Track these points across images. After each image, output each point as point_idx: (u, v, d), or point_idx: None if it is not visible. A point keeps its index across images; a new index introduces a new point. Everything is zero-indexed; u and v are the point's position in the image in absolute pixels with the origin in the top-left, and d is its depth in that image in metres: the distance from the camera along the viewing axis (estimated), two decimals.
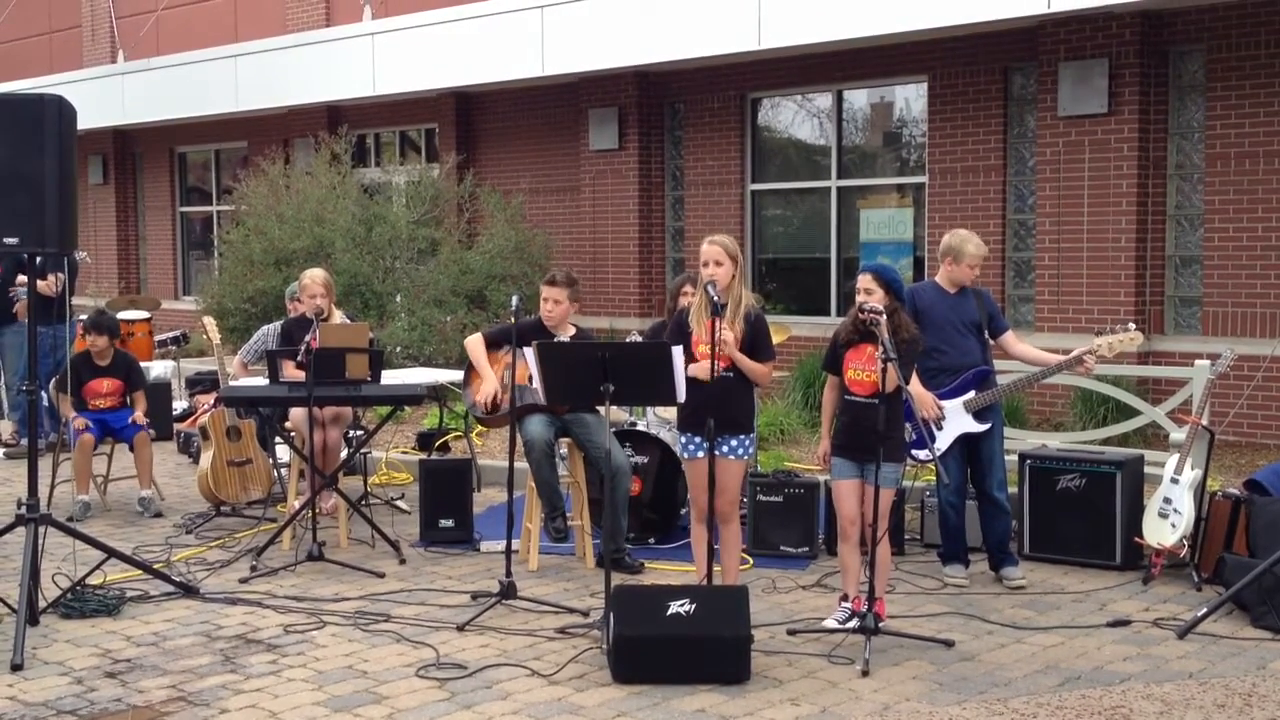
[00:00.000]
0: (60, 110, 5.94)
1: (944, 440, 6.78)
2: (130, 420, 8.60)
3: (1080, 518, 7.10)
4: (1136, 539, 6.90)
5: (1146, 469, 7.34)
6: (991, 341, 7.01)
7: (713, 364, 5.70)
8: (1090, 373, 7.06)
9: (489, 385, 7.20)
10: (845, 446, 5.94)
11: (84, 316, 9.69)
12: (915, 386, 6.59)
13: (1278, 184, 10.06)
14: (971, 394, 6.79)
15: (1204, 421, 6.93)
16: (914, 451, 6.85)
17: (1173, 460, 6.86)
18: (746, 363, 5.93)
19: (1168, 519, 6.73)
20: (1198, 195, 10.58)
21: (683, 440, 6.11)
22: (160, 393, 11.32)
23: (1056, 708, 4.96)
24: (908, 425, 6.55)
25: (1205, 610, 6.01)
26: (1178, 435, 7.15)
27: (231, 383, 8.44)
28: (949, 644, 5.73)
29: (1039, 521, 7.24)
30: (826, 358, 6.12)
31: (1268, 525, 6.48)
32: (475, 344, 7.47)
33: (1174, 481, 6.76)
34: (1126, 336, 6.79)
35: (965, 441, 6.83)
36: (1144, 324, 10.58)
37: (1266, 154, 10.10)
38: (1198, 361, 7.68)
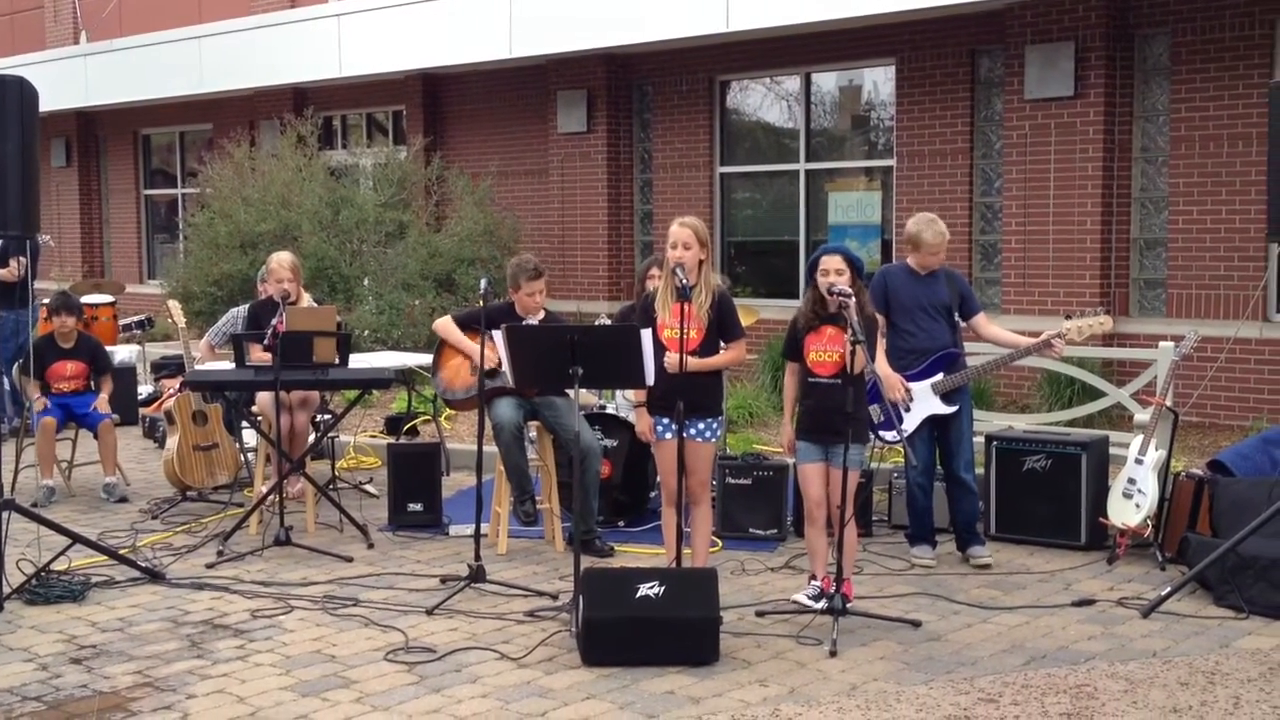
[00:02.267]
0: (21, 91, 5.88)
1: (911, 422, 6.81)
2: (92, 407, 8.53)
3: (1046, 498, 7.15)
4: (1101, 519, 6.95)
5: (1111, 450, 7.41)
6: (963, 323, 7.03)
7: (682, 355, 5.69)
8: (1059, 356, 7.10)
9: (476, 351, 6.88)
10: (810, 430, 5.95)
11: (46, 300, 9.59)
12: (883, 368, 6.61)
13: (1241, 166, 10.14)
14: (940, 376, 6.81)
15: (1168, 403, 6.99)
16: (881, 432, 6.88)
17: (1137, 441, 6.92)
18: (712, 363, 5.94)
19: (1132, 499, 6.79)
20: (1162, 178, 10.65)
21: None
22: (125, 377, 11.23)
23: (1022, 687, 5.00)
24: (875, 407, 6.58)
25: (1169, 590, 6.07)
26: (1142, 416, 7.21)
27: (198, 366, 8.39)
28: (916, 624, 5.77)
29: (1005, 502, 7.29)
30: (786, 345, 6.10)
31: (1231, 505, 6.55)
32: (446, 324, 7.46)
33: (1138, 462, 6.82)
34: (1095, 321, 6.84)
35: (933, 423, 6.86)
36: (1109, 306, 10.65)
37: (1230, 137, 10.17)
38: (1162, 343, 7.76)
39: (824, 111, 13.12)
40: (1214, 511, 6.66)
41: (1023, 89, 10.92)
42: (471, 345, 7.19)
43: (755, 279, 13.52)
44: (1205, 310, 10.36)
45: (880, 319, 6.72)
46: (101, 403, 8.55)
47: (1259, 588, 5.92)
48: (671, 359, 5.74)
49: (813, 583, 6.03)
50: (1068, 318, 6.90)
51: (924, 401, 6.81)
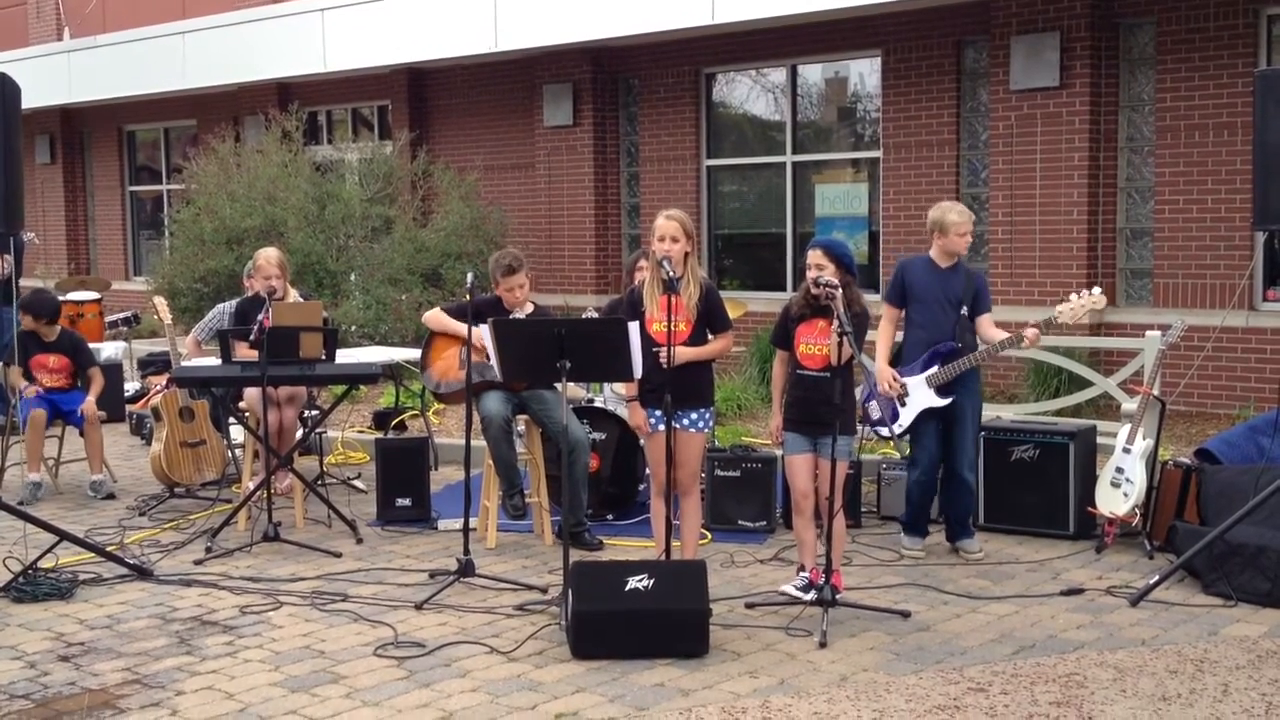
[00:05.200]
0: (4, 88, 5.86)
1: (908, 416, 6.79)
2: (80, 411, 8.46)
3: (1034, 488, 7.17)
4: (1089, 508, 6.97)
5: (1099, 439, 7.42)
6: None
7: (670, 347, 5.68)
8: (1035, 344, 7.02)
9: (474, 331, 6.88)
10: (797, 421, 5.96)
11: None
12: (879, 361, 6.64)
13: (1226, 156, 10.16)
14: (935, 369, 6.78)
15: (1155, 392, 7.00)
16: (877, 429, 6.87)
17: (1124, 430, 6.93)
18: (703, 353, 5.94)
19: (1120, 488, 6.80)
20: (1148, 168, 10.67)
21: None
22: (112, 374, 11.19)
23: (1011, 676, 5.01)
24: (872, 403, 6.58)
25: (1157, 578, 6.08)
26: (1129, 405, 7.22)
27: (185, 361, 8.36)
28: (906, 615, 5.78)
29: (994, 492, 7.30)
30: (776, 332, 6.12)
31: (1218, 493, 6.57)
32: (437, 315, 7.43)
33: (1126, 451, 6.83)
34: (1089, 299, 6.77)
35: (940, 420, 6.79)
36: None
37: (1215, 126, 10.19)
38: (1149, 333, 7.77)
39: (810, 103, 13.12)
40: (1201, 499, 6.68)
41: (1008, 79, 10.93)
42: (463, 326, 7.13)
43: (742, 272, 13.52)
44: (1192, 299, 10.38)
45: (900, 313, 6.77)
46: (89, 405, 8.47)
47: (1247, 575, 5.94)
48: (663, 353, 5.74)
49: (801, 574, 6.03)
50: (1059, 302, 6.86)
51: (919, 395, 6.78)
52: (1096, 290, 6.82)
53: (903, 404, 6.78)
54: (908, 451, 7.03)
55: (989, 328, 6.94)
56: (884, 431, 6.88)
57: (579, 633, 5.24)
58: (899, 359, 6.85)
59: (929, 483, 6.91)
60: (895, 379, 6.71)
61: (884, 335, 6.83)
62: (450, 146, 15.43)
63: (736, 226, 13.74)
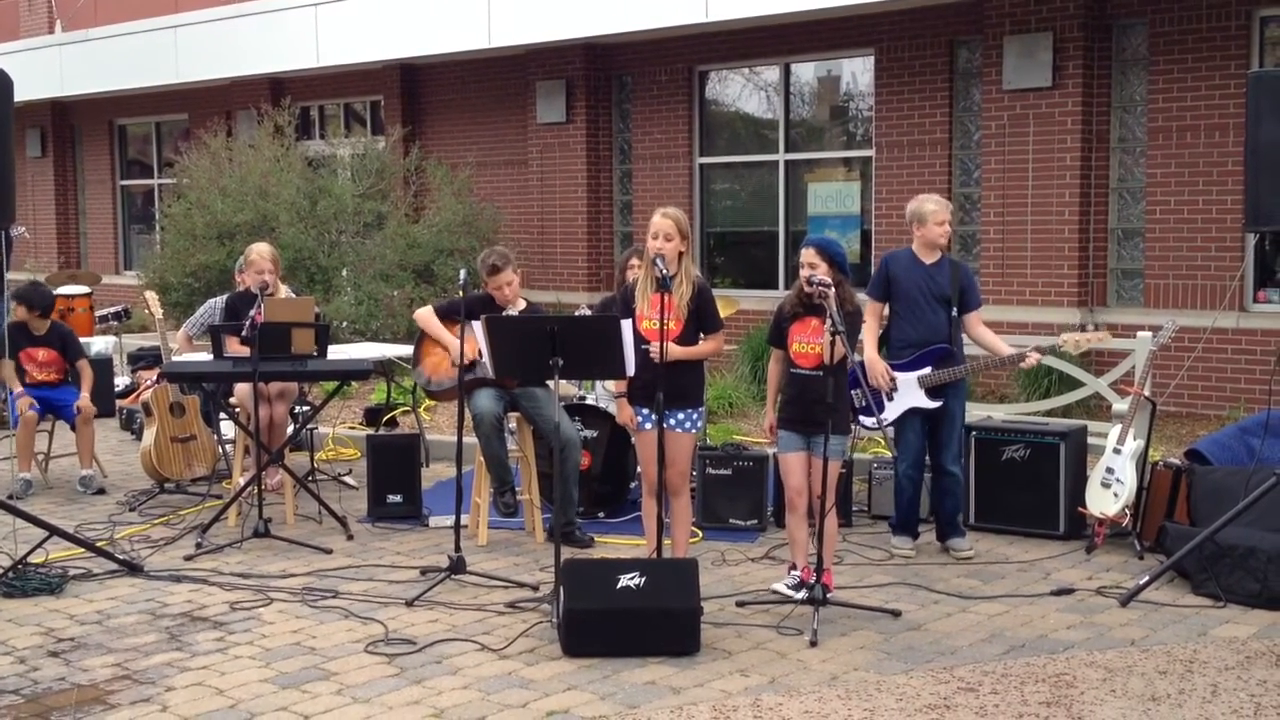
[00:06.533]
0: None
1: (893, 412, 6.81)
2: (75, 406, 8.43)
3: (1025, 488, 7.18)
4: (1080, 509, 6.98)
5: (1089, 439, 7.43)
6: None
7: (662, 346, 5.68)
8: (1032, 367, 7.05)
9: (456, 346, 7.00)
10: (792, 419, 5.96)
11: None
12: (869, 353, 6.64)
13: (1218, 157, 10.18)
14: (928, 370, 6.79)
15: (1146, 392, 7.02)
16: (861, 419, 6.88)
17: (1115, 431, 6.94)
18: (694, 352, 5.94)
19: (1110, 489, 6.81)
20: (1140, 168, 10.69)
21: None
22: (102, 369, 11.16)
23: (1002, 675, 5.02)
24: (856, 392, 6.58)
25: (1147, 578, 6.10)
26: (1120, 406, 7.24)
27: (175, 356, 8.34)
28: (896, 614, 5.79)
29: (984, 492, 7.31)
30: (771, 331, 6.12)
31: (1208, 494, 6.58)
32: (427, 314, 7.43)
33: (1116, 452, 6.85)
34: (1095, 335, 6.83)
35: (924, 415, 6.82)
36: (1087, 296, 10.71)
37: (1207, 127, 10.21)
38: (1140, 333, 7.78)
39: (803, 102, 13.12)
40: (1192, 500, 6.70)
41: (1001, 79, 10.94)
42: (450, 338, 7.18)
43: (735, 270, 13.52)
44: (1183, 300, 10.40)
45: (883, 307, 6.77)
46: (84, 401, 8.43)
47: (1236, 576, 5.96)
48: (654, 349, 5.74)
49: (793, 572, 6.04)
50: (1067, 330, 6.92)
51: (907, 393, 6.79)
52: (1104, 331, 6.88)
53: (890, 398, 6.79)
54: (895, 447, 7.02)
55: (978, 326, 6.95)
56: (868, 421, 6.89)
57: (570, 630, 5.24)
58: (885, 354, 6.85)
59: (916, 477, 6.93)
60: (887, 372, 6.72)
61: (870, 329, 6.80)
62: (443, 142, 15.41)
63: (729, 224, 13.75)
